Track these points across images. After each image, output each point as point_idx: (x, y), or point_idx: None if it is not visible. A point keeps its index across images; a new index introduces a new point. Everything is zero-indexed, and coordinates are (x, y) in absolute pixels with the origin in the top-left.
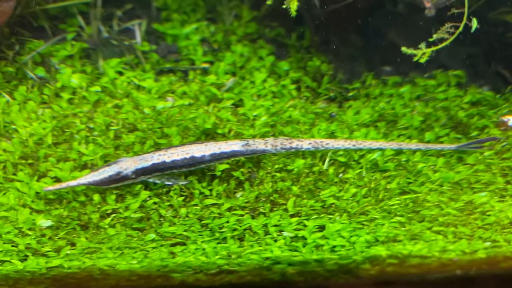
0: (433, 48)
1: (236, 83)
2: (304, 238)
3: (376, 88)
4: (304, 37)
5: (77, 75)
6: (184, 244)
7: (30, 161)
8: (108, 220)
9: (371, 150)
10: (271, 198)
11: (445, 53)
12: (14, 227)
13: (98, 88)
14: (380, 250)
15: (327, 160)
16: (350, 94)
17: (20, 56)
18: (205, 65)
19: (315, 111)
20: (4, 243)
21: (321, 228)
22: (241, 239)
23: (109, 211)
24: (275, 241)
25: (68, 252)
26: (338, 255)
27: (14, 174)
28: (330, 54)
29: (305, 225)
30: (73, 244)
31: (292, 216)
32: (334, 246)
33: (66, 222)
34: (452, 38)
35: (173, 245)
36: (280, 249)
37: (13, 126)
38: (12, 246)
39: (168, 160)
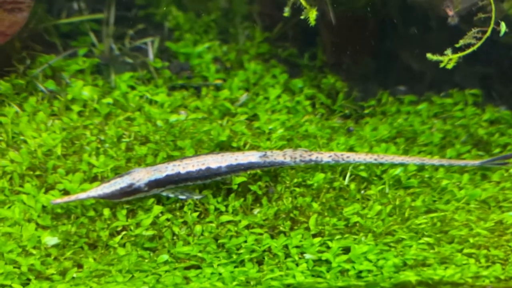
0: (460, 54)
1: (250, 98)
2: (328, 261)
3: (392, 106)
4: (317, 57)
5: (88, 87)
6: (199, 267)
7: (38, 172)
8: (118, 238)
9: (393, 165)
10: (291, 215)
11: (460, 73)
12: (18, 245)
13: (110, 100)
14: (409, 276)
15: (348, 175)
16: (366, 111)
17: (31, 70)
18: (218, 82)
19: (332, 125)
20: (5, 263)
21: (346, 250)
22: (260, 262)
23: (119, 228)
24: (297, 264)
25: (75, 275)
26: (365, 282)
27: (21, 186)
28: (344, 73)
29: (328, 247)
30: (80, 266)
31: (314, 236)
32: (361, 272)
33: (73, 240)
34: (479, 43)
35: (187, 268)
36: (303, 274)
37: (22, 137)
38: (14, 267)
39: (182, 171)
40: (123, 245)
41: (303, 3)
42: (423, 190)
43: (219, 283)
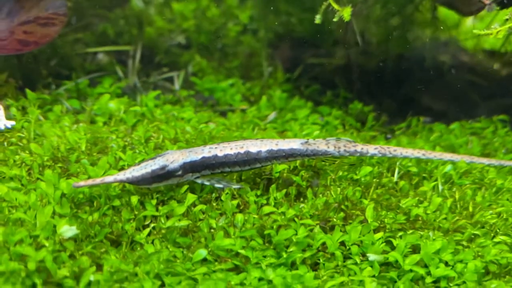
0: (509, 24)
1: (278, 117)
2: (396, 264)
3: (423, 130)
4: (339, 95)
5: (114, 100)
6: (243, 270)
7: (59, 164)
8: (146, 232)
9: (442, 162)
10: (342, 207)
11: (482, 108)
12: (29, 234)
13: (137, 108)
14: (502, 286)
15: (397, 170)
16: (397, 132)
17: (56, 90)
18: (244, 107)
19: (368, 135)
20: (10, 258)
21: (414, 248)
22: (315, 263)
23: (147, 221)
24: (361, 269)
25: (92, 278)
26: None
27: (40, 174)
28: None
29: (393, 245)
30: (99, 266)
31: (374, 231)
32: (438, 280)
33: (94, 231)
34: None
35: (229, 270)
36: (370, 282)
37: (44, 138)
38: (20, 264)
39: (220, 154)
40: (152, 242)
41: (334, 5)
42: (478, 189)
43: None
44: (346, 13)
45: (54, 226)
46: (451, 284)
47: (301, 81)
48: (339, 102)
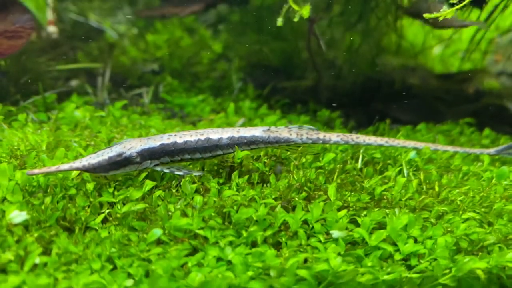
0: (456, 7)
1: (247, 124)
2: (363, 242)
3: (390, 131)
4: (309, 109)
5: (80, 109)
6: (200, 250)
7: (17, 161)
8: (100, 217)
9: (406, 149)
10: (305, 188)
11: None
12: None
13: (102, 113)
14: (473, 262)
15: (361, 157)
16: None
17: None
18: (212, 117)
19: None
20: None
21: (380, 226)
22: (277, 243)
23: (104, 210)
24: (325, 248)
25: (37, 261)
26: (419, 273)
27: None
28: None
29: (357, 225)
30: (48, 251)
31: (338, 210)
32: (408, 258)
33: (46, 216)
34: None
35: (187, 254)
36: (335, 257)
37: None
38: None
39: (180, 140)
40: (107, 228)
41: (294, 6)
42: (444, 173)
43: (229, 273)
44: (305, 11)
45: (3, 212)
46: (422, 261)
47: (272, 97)
48: (308, 111)
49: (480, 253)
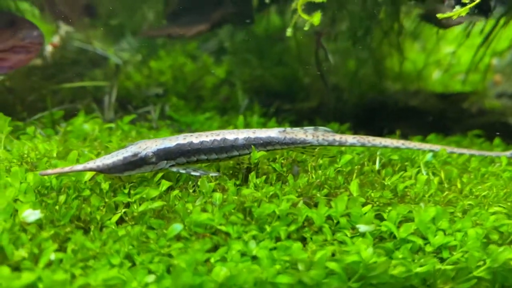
0: (470, 5)
1: None
2: (391, 236)
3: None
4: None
5: (89, 122)
6: (222, 246)
7: (26, 167)
8: (116, 216)
9: (423, 152)
10: (326, 186)
11: None
12: None
13: (112, 125)
14: (510, 252)
15: (378, 159)
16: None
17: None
18: None
19: None
20: None
21: (407, 220)
22: (302, 239)
23: (119, 211)
24: (353, 242)
25: (53, 257)
26: (453, 265)
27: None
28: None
29: (383, 220)
30: (62, 249)
31: (362, 206)
32: (439, 251)
33: (61, 213)
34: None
35: (208, 251)
36: (365, 249)
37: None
38: None
39: (196, 141)
40: (124, 228)
41: (303, 16)
42: (463, 173)
43: (255, 267)
44: (316, 18)
45: (16, 211)
46: (454, 253)
47: (278, 116)
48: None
49: None
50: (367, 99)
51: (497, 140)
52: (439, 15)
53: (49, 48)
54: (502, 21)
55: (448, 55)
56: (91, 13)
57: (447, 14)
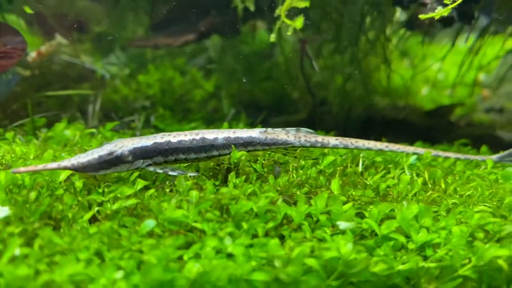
0: (451, 6)
1: None
2: (372, 233)
3: None
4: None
5: (70, 128)
6: (195, 242)
7: (0, 167)
8: (89, 214)
9: (406, 154)
10: (306, 185)
11: None
12: None
13: (93, 130)
14: (495, 251)
15: (361, 161)
16: None
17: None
18: None
19: None
20: None
21: (388, 218)
22: (280, 237)
23: (93, 210)
24: (332, 239)
25: (17, 252)
26: (437, 262)
27: None
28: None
29: (364, 216)
30: (29, 245)
31: (343, 204)
32: (422, 248)
33: (30, 210)
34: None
35: (181, 248)
36: (345, 244)
37: None
38: None
39: (174, 140)
40: (97, 226)
41: (286, 21)
42: (447, 174)
43: (230, 263)
44: (298, 22)
45: None
46: (438, 250)
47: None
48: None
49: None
50: (354, 114)
51: (484, 148)
52: (421, 16)
53: (32, 55)
54: (487, 34)
55: (436, 71)
56: (80, 28)
57: (429, 14)
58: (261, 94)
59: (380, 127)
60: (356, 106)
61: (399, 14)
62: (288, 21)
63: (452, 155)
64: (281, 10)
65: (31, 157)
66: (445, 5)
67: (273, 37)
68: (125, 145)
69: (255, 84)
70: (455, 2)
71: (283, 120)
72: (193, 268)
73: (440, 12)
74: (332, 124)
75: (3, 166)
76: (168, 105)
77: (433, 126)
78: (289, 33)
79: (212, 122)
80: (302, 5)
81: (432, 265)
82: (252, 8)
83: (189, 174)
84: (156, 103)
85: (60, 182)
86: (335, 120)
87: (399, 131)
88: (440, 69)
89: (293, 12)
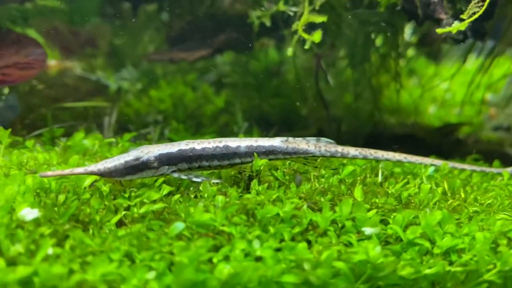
0: (467, 21)
1: None
2: (397, 239)
3: None
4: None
5: (89, 138)
6: (223, 245)
7: (25, 171)
8: (116, 218)
9: (424, 166)
10: (329, 193)
11: None
12: None
13: (112, 140)
14: None
15: (380, 172)
16: None
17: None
18: None
19: None
20: None
21: (413, 225)
22: (306, 242)
23: (119, 214)
24: (359, 245)
25: (50, 251)
26: (463, 266)
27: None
28: None
29: (387, 223)
30: (59, 244)
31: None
32: (447, 252)
33: (59, 213)
34: (481, 11)
35: (210, 251)
36: (373, 248)
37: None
38: None
39: (198, 147)
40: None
41: (304, 35)
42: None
43: (260, 264)
44: (316, 36)
45: (13, 209)
46: (462, 255)
47: None
48: None
49: None
50: (364, 131)
51: (496, 163)
52: (438, 30)
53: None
54: (493, 55)
55: (444, 91)
56: (92, 44)
57: (447, 29)
58: (271, 109)
59: (389, 142)
60: (365, 123)
61: (408, 34)
62: (305, 36)
63: (468, 167)
64: (298, 25)
65: (54, 163)
66: (461, 20)
67: (290, 51)
68: (151, 151)
69: (264, 100)
70: (472, 17)
71: (293, 135)
72: (224, 270)
73: (457, 26)
74: (342, 140)
75: (28, 171)
76: (180, 119)
77: (442, 143)
78: (306, 47)
79: (224, 136)
80: (320, 20)
81: (458, 269)
82: (268, 23)
83: (212, 181)
84: (168, 117)
85: (85, 188)
86: (344, 136)
87: (407, 147)
88: (448, 88)
89: (306, 27)
